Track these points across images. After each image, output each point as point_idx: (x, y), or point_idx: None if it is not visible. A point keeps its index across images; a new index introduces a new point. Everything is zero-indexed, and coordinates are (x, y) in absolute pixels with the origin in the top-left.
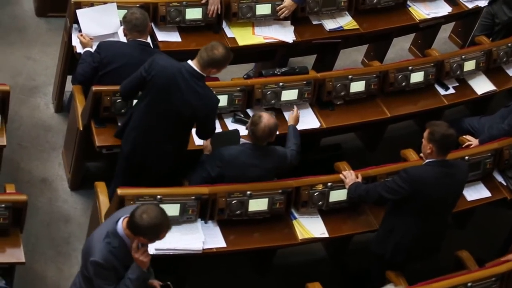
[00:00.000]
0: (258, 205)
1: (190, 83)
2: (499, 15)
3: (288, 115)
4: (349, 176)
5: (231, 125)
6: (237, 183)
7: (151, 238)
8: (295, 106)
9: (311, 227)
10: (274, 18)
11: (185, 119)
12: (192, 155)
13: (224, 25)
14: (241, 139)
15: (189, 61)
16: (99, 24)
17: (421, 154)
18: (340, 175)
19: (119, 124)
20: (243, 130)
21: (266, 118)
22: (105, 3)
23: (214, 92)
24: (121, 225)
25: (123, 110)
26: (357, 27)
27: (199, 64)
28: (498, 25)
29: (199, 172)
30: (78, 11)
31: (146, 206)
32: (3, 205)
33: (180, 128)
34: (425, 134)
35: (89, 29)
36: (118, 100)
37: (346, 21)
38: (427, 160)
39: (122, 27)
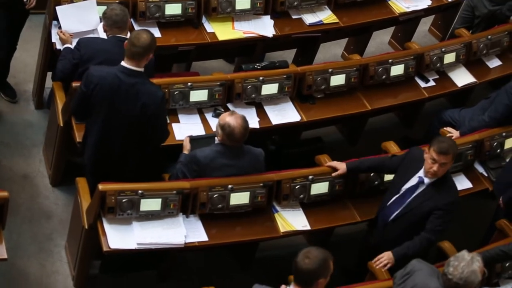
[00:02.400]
0: (239, 198)
1: (129, 84)
2: (479, 7)
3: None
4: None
5: (211, 120)
6: None
7: None
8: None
9: (292, 220)
10: (253, 12)
11: (137, 124)
12: (174, 149)
13: (203, 20)
14: (215, 138)
15: (122, 62)
16: (79, 20)
17: None
18: None
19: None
20: None
21: (234, 121)
22: None
23: (194, 86)
24: None
25: None
26: (337, 21)
27: (133, 60)
28: (478, 18)
29: (177, 174)
30: (58, 8)
31: None
32: None
33: (138, 135)
34: None
35: (68, 26)
36: None
37: (326, 15)
38: None
39: (102, 23)
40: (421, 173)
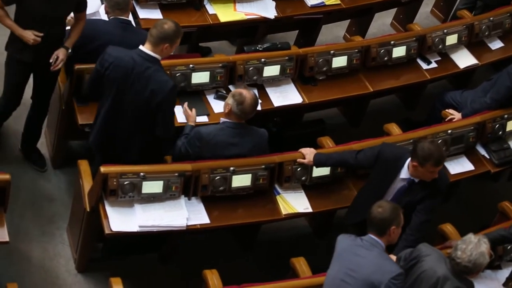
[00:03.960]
0: (241, 181)
1: (144, 68)
2: None
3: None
4: None
5: (213, 102)
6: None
7: None
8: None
9: (294, 202)
10: None
11: (144, 109)
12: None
13: (205, 1)
14: (221, 118)
15: (141, 46)
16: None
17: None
18: None
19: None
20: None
21: (247, 92)
22: None
23: (196, 68)
24: None
25: None
26: (339, 2)
27: (150, 44)
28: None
29: (180, 148)
30: None
31: None
32: None
33: (143, 121)
34: None
35: None
36: None
37: None
38: None
39: (103, 4)
40: (404, 174)
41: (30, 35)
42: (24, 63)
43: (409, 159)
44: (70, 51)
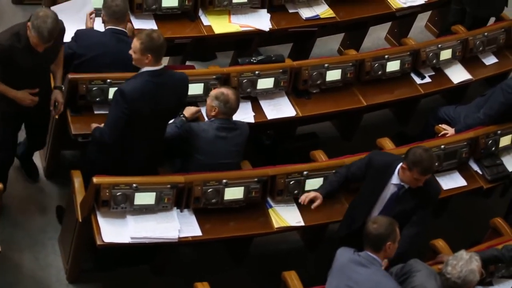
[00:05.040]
0: (233, 193)
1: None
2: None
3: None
4: None
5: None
6: (206, 157)
7: None
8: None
9: (287, 215)
10: (250, 6)
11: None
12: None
13: (200, 13)
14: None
15: (146, 68)
16: (74, 19)
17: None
18: None
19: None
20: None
21: (226, 90)
22: None
23: (190, 79)
24: None
25: (98, 99)
26: (334, 15)
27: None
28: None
29: (174, 132)
30: (53, 8)
31: None
32: None
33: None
34: None
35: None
36: (94, 88)
37: (322, 10)
38: None
39: (101, 14)
40: (395, 179)
41: (26, 97)
42: (15, 114)
43: (400, 164)
44: (64, 88)
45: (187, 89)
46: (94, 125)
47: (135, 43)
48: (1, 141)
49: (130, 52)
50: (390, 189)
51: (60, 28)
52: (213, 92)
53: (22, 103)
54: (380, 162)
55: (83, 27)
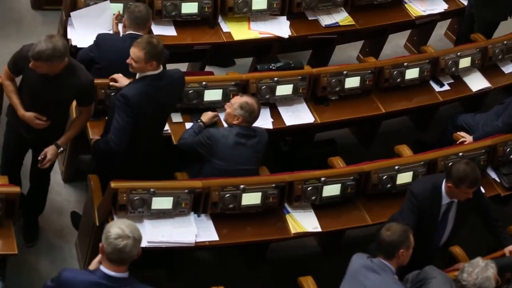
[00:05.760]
0: (251, 199)
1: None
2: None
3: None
4: None
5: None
6: (225, 162)
7: None
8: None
9: (304, 221)
10: (270, 13)
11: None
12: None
13: (220, 19)
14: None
15: (149, 72)
16: (95, 23)
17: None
18: None
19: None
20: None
21: (249, 99)
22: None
23: (209, 85)
24: None
25: None
26: (353, 23)
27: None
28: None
29: (193, 138)
30: (72, 14)
31: None
32: None
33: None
34: None
35: (84, 31)
36: (113, 94)
37: (342, 17)
38: None
39: (123, 19)
40: (445, 199)
41: (32, 119)
42: (22, 135)
43: (443, 182)
44: (61, 149)
45: (184, 85)
46: (93, 139)
47: (137, 54)
48: (4, 153)
49: (129, 61)
50: (442, 209)
51: (81, 83)
52: (236, 101)
53: (30, 123)
54: (423, 190)
55: (103, 32)
